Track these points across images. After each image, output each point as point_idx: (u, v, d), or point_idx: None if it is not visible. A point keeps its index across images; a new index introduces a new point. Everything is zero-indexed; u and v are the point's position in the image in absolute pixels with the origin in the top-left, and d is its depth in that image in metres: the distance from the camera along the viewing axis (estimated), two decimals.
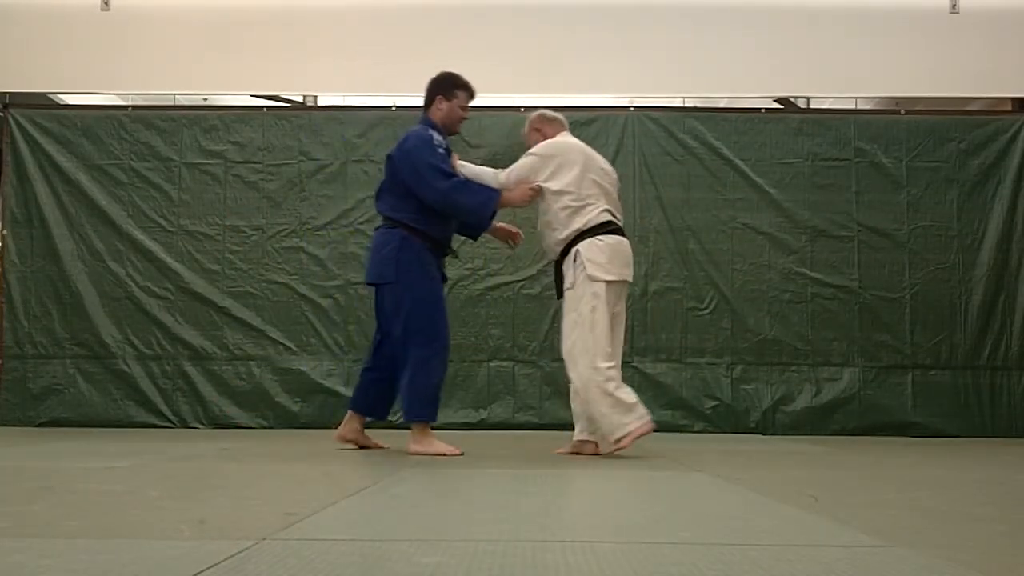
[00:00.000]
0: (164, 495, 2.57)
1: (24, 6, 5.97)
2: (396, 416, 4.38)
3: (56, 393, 5.81)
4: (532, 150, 4.08)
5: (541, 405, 5.78)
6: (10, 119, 5.96)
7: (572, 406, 4.05)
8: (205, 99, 6.51)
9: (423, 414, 3.97)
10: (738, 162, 5.92)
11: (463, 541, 1.82)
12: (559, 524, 2.08)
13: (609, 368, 3.79)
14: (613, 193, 4.07)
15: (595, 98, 6.11)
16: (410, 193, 4.01)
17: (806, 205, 5.89)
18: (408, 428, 4.06)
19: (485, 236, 4.48)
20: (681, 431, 5.71)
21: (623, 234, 4.02)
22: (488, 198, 4.01)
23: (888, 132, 5.94)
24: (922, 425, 5.73)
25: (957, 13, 5.92)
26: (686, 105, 6.30)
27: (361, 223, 5.91)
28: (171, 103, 6.33)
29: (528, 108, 6.04)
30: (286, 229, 5.93)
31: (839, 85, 6.06)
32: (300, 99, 6.33)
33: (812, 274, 5.85)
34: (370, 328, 5.83)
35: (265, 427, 5.77)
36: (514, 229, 4.37)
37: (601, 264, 3.86)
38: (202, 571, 1.50)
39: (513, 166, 4.08)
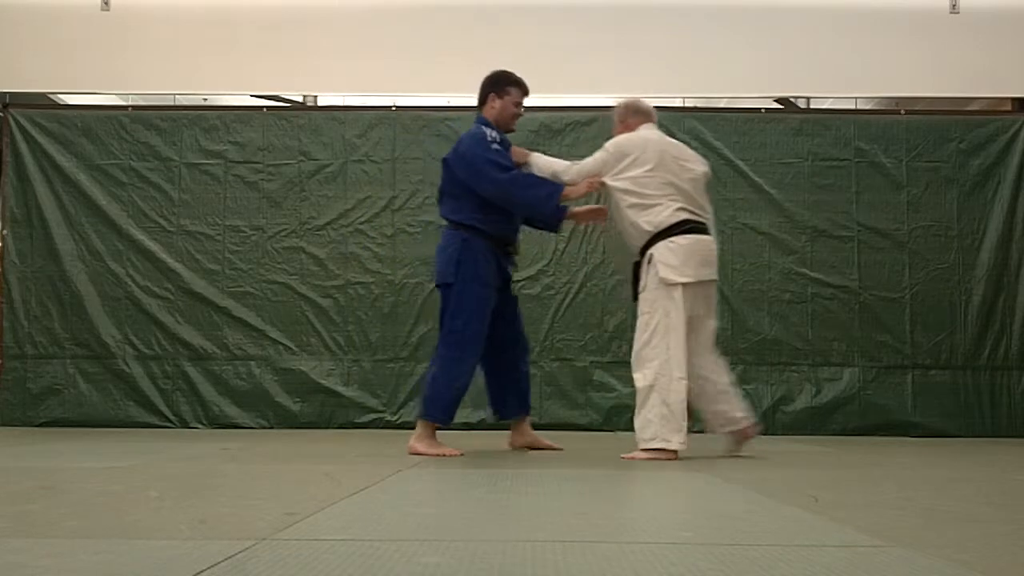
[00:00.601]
0: (164, 495, 2.57)
1: (24, 6, 5.97)
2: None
3: (56, 393, 5.81)
4: (606, 144, 4.02)
5: (541, 405, 5.77)
6: (10, 119, 5.96)
7: (696, 407, 3.92)
8: (205, 99, 6.51)
9: (434, 415, 3.95)
10: (738, 162, 5.92)
11: (463, 541, 1.82)
12: (559, 524, 2.07)
13: (679, 379, 3.69)
14: (692, 190, 3.92)
15: (595, 98, 6.10)
16: (468, 193, 4.01)
17: (806, 205, 5.89)
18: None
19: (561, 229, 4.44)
20: None
21: (704, 232, 3.89)
22: (551, 192, 3.96)
23: (888, 132, 5.94)
24: (922, 425, 5.73)
25: (957, 13, 5.92)
26: (686, 105, 6.30)
27: (361, 223, 5.92)
28: (171, 103, 6.33)
29: (528, 108, 6.06)
30: (286, 229, 5.93)
31: (839, 85, 6.06)
32: (300, 99, 6.33)
33: (812, 274, 5.85)
34: (370, 328, 5.87)
35: (265, 427, 5.77)
36: (596, 206, 4.26)
37: (674, 266, 3.74)
38: (202, 571, 1.50)
39: (585, 159, 4.04)
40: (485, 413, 4.41)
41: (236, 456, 3.96)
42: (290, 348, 5.85)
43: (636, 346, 3.82)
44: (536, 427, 5.68)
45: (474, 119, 4.26)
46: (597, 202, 4.33)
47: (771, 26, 5.96)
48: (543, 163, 4.13)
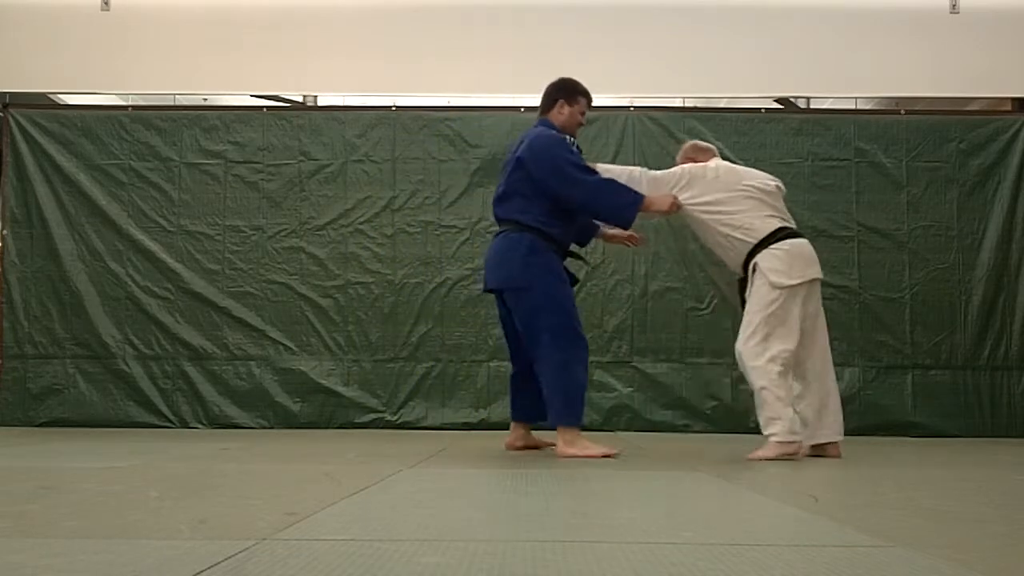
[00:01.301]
0: (164, 495, 2.57)
1: (24, 6, 5.97)
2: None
3: (56, 393, 5.81)
4: (683, 166, 4.10)
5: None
6: (10, 119, 5.96)
7: (798, 410, 3.94)
8: (205, 99, 6.51)
9: (573, 418, 3.87)
10: (738, 162, 5.90)
11: (463, 541, 1.82)
12: (559, 524, 2.07)
13: (781, 371, 3.79)
14: (774, 201, 4.09)
15: (595, 98, 6.07)
16: (538, 195, 3.92)
17: (806, 205, 5.89)
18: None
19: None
20: (681, 431, 5.71)
21: (799, 235, 4.05)
22: (634, 201, 3.89)
23: (888, 132, 5.94)
24: (922, 425, 5.73)
25: (957, 13, 5.92)
26: (686, 105, 6.30)
27: (361, 223, 5.92)
28: (171, 103, 6.33)
29: (528, 108, 6.09)
30: (286, 229, 5.93)
31: (839, 85, 6.06)
32: (300, 99, 6.34)
33: None
34: (370, 328, 5.87)
35: (265, 427, 5.77)
36: (635, 234, 4.32)
37: (782, 271, 3.87)
38: (202, 571, 1.50)
39: (658, 172, 4.10)
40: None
41: (236, 456, 3.96)
42: (290, 348, 5.86)
43: (747, 350, 3.85)
44: (536, 427, 5.70)
45: (536, 122, 4.16)
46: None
47: (771, 26, 5.96)
48: (614, 171, 4.13)
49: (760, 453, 3.80)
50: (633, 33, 5.96)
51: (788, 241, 3.96)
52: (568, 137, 4.06)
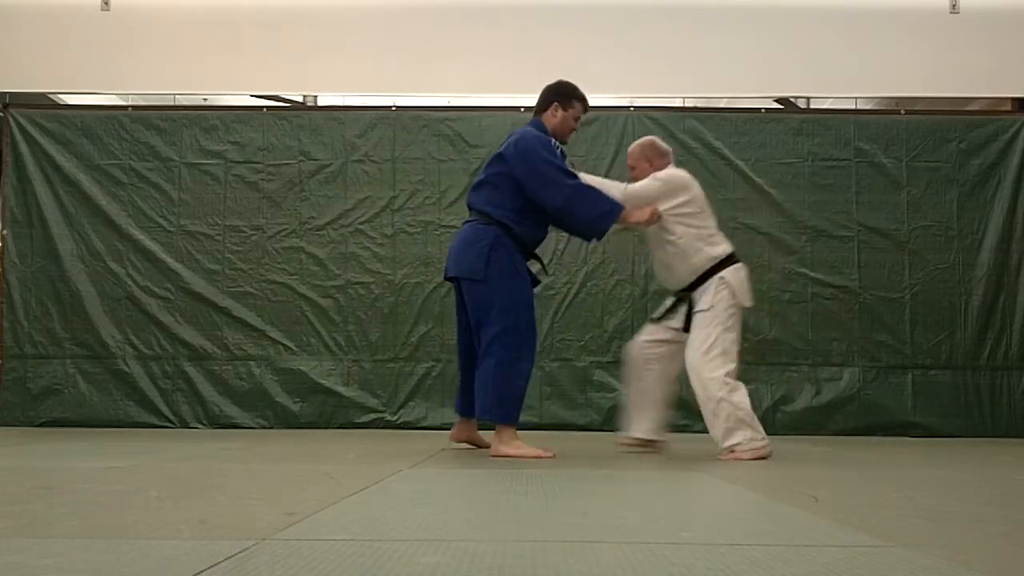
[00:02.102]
0: (164, 495, 2.57)
1: (24, 6, 5.97)
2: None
3: (56, 393, 5.81)
4: (658, 175, 4.09)
5: (541, 405, 5.78)
6: (10, 119, 5.96)
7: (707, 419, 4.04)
8: (205, 99, 6.51)
9: (511, 416, 3.86)
10: (738, 162, 5.92)
11: (463, 541, 1.82)
12: (559, 524, 2.07)
13: (735, 384, 3.95)
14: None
15: (595, 98, 6.04)
16: (514, 192, 3.90)
17: (806, 205, 5.90)
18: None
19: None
20: (681, 431, 5.71)
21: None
22: (611, 210, 3.87)
23: (888, 132, 5.94)
24: (922, 425, 5.73)
25: (957, 13, 5.92)
26: (686, 105, 6.30)
27: (361, 223, 5.92)
28: (171, 103, 6.33)
29: (528, 108, 6.08)
30: (286, 229, 5.93)
31: (839, 85, 6.06)
32: (300, 99, 6.34)
33: (812, 274, 5.85)
34: (370, 328, 5.87)
35: (265, 427, 5.77)
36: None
37: (744, 291, 4.02)
38: (202, 571, 1.50)
39: (637, 184, 4.08)
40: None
41: (236, 456, 3.96)
42: (290, 348, 5.86)
43: (698, 359, 3.96)
44: (536, 427, 5.71)
45: (529, 122, 4.14)
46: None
47: (771, 26, 5.96)
48: (591, 180, 4.10)
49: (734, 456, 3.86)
50: (633, 33, 5.96)
51: (739, 265, 4.08)
52: (554, 141, 4.03)
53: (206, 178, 5.95)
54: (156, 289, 5.88)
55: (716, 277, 3.98)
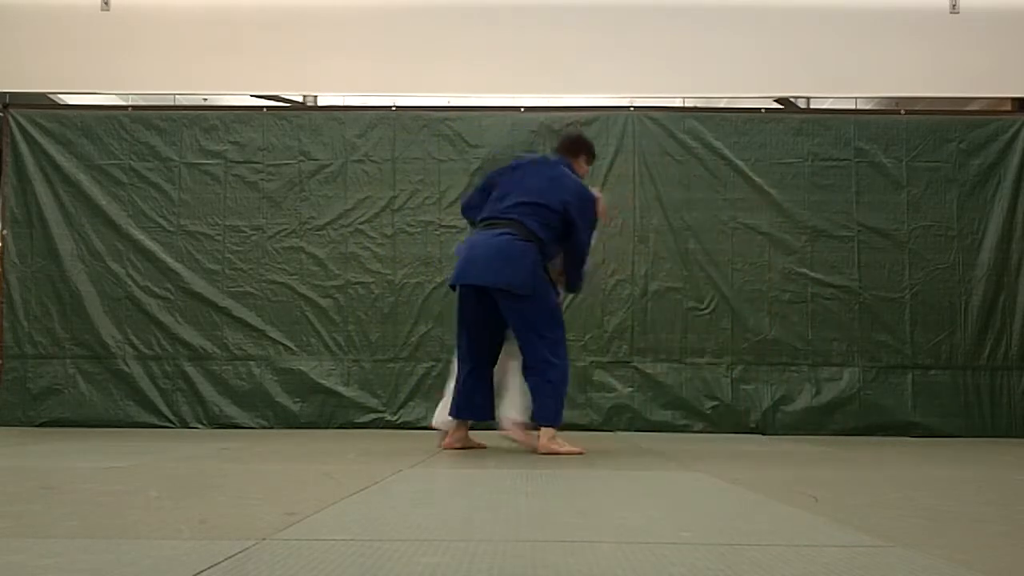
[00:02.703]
0: (164, 495, 2.57)
1: (24, 6, 5.96)
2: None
3: (56, 393, 5.81)
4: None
5: None
6: (10, 119, 5.96)
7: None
8: (205, 99, 6.51)
9: (559, 419, 4.13)
10: (738, 162, 5.92)
11: (463, 541, 1.82)
12: (559, 524, 2.07)
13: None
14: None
15: (595, 98, 6.11)
16: (555, 223, 4.14)
17: (806, 205, 5.89)
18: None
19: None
20: (681, 431, 5.71)
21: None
22: (583, 275, 4.39)
23: (888, 132, 5.94)
24: (922, 425, 5.73)
25: (957, 13, 5.92)
26: (686, 105, 6.30)
27: (361, 223, 5.92)
28: (171, 103, 6.33)
29: (528, 108, 6.09)
30: (286, 229, 5.93)
31: (839, 85, 6.06)
32: (300, 99, 6.33)
33: (812, 274, 5.85)
34: (369, 328, 5.87)
35: (265, 427, 5.77)
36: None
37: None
38: (202, 571, 1.50)
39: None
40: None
41: (236, 456, 3.96)
42: (290, 348, 5.86)
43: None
44: (536, 427, 5.70)
45: (560, 159, 4.40)
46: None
47: (771, 26, 5.96)
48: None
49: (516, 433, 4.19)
50: (633, 33, 5.96)
51: None
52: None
53: (206, 178, 5.95)
54: (156, 289, 5.87)
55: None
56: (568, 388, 4.20)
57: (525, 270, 4.03)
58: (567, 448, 4.05)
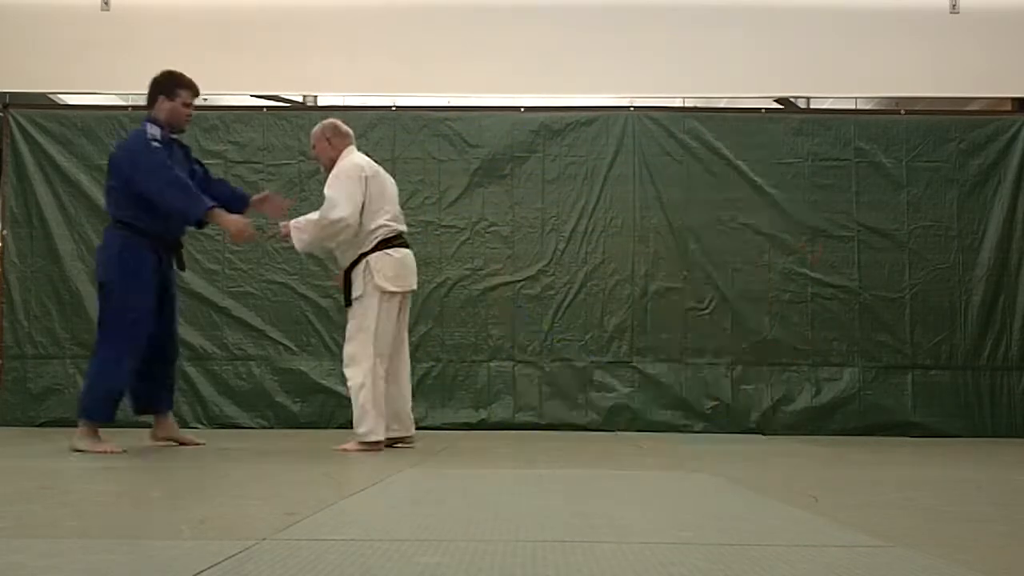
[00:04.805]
0: (164, 495, 2.57)
1: (24, 6, 5.96)
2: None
3: (56, 393, 5.81)
4: (348, 173, 4.24)
5: (541, 405, 5.78)
6: (10, 119, 5.96)
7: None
8: (205, 99, 6.49)
9: (96, 414, 4.11)
10: (738, 162, 5.91)
11: (463, 541, 1.82)
12: (559, 524, 2.07)
13: (382, 378, 4.10)
14: (396, 204, 4.40)
15: (595, 98, 6.11)
16: (130, 192, 4.10)
17: (806, 205, 5.89)
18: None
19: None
20: (681, 431, 5.71)
21: (408, 247, 4.33)
22: (199, 209, 4.10)
23: (888, 132, 5.94)
24: (922, 425, 5.73)
25: (957, 13, 5.92)
26: (686, 105, 6.29)
27: None
28: None
29: (528, 108, 6.09)
30: None
31: (839, 85, 6.06)
32: (300, 99, 6.33)
33: (812, 274, 5.85)
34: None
35: (265, 427, 5.77)
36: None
37: (390, 277, 4.14)
38: (202, 571, 1.50)
39: (335, 196, 4.19)
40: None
41: (236, 456, 3.96)
42: (290, 348, 5.85)
43: (348, 347, 4.15)
44: (536, 427, 5.72)
45: (143, 119, 4.30)
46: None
47: (771, 26, 5.96)
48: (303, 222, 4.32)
49: (346, 446, 4.07)
50: (633, 33, 5.96)
51: (401, 250, 4.24)
52: (156, 132, 4.16)
53: None
54: None
55: (364, 261, 4.15)
56: (119, 384, 4.17)
57: (104, 259, 4.19)
58: (99, 447, 3.98)
